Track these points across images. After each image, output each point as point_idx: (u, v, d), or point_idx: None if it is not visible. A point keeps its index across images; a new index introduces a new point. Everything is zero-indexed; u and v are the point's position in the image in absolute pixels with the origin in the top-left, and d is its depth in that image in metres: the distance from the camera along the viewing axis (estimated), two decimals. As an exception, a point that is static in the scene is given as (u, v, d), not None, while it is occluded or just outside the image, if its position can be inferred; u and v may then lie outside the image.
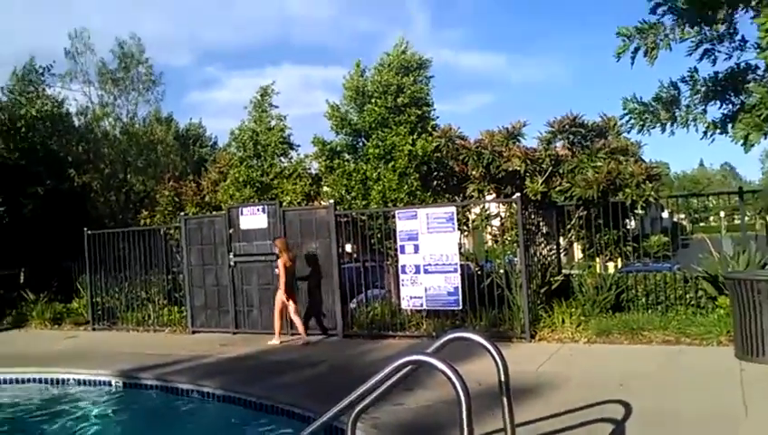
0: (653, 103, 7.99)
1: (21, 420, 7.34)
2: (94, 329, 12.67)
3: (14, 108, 15.02)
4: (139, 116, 21.57)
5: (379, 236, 10.38)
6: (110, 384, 8.31)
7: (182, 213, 12.39)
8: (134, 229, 12.99)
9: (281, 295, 9.80)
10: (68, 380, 8.58)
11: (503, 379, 3.65)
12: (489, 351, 3.67)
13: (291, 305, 9.81)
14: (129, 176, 19.79)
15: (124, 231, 12.93)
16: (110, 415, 7.48)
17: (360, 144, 11.61)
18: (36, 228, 15.26)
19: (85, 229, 12.99)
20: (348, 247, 11.71)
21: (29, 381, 8.69)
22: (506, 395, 3.68)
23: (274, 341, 9.86)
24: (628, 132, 9.31)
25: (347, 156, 11.67)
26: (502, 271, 9.62)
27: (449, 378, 3.11)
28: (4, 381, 8.72)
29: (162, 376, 8.06)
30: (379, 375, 3.25)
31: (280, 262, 9.79)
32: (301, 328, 9.83)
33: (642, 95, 8.12)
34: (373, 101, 11.19)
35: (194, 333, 11.41)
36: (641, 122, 8.05)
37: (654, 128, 8.08)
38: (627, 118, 8.20)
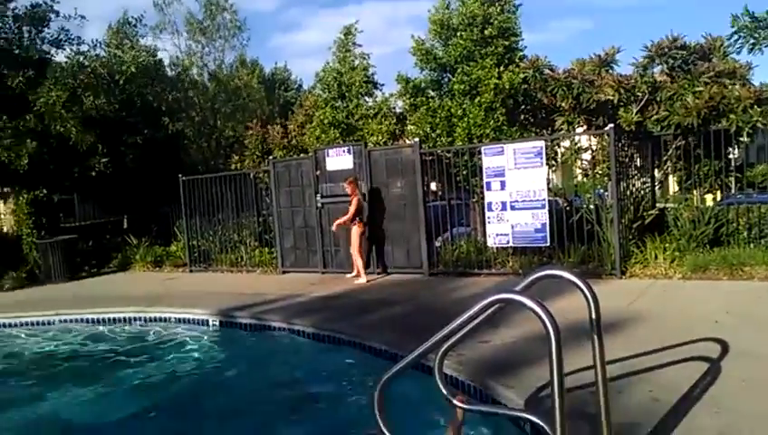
0: (766, 18, 7.26)
1: (128, 353, 7.87)
2: (192, 271, 13.32)
3: (112, 62, 15.61)
4: (226, 63, 22.00)
5: (464, 173, 10.20)
6: (207, 323, 8.73)
7: (270, 157, 12.62)
8: (225, 174, 13.40)
9: (356, 232, 10.06)
10: (169, 318, 9.08)
11: (593, 315, 3.49)
12: (579, 287, 3.51)
13: (355, 241, 10.10)
14: (218, 122, 20.33)
15: (216, 176, 13.37)
16: (209, 351, 7.89)
17: (446, 80, 11.32)
18: (136, 177, 16.04)
19: (180, 176, 13.51)
20: (433, 186, 11.62)
21: (133, 320, 9.24)
22: (597, 332, 3.53)
23: (361, 279, 10.04)
24: (738, 53, 8.53)
25: (431, 92, 11.44)
26: (592, 206, 9.26)
27: (539, 316, 2.99)
28: (113, 321, 9.34)
29: (256, 315, 8.38)
30: (467, 314, 3.17)
31: (354, 200, 9.97)
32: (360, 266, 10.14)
33: (754, 10, 7.40)
34: (459, 33, 10.83)
35: (284, 273, 11.78)
36: (753, 40, 7.35)
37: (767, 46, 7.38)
38: (736, 36, 7.52)
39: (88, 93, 14.41)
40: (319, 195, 11.22)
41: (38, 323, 9.54)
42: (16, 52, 15.14)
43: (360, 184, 10.46)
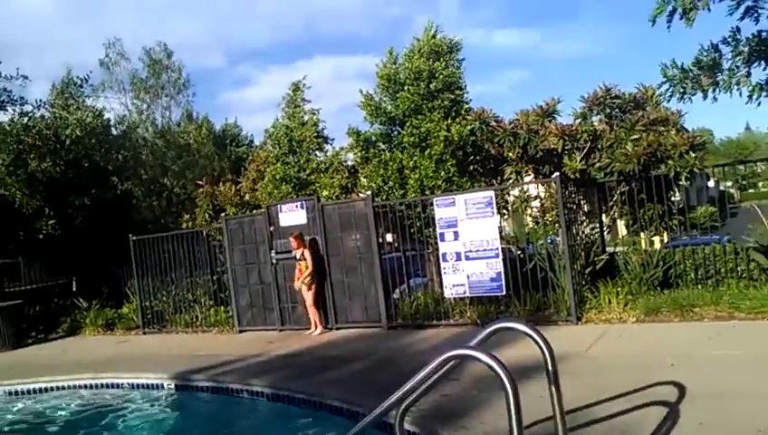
0: (693, 69, 7.74)
1: (78, 423, 7.55)
2: (145, 333, 12.95)
3: (57, 123, 15.42)
4: (173, 120, 21.98)
5: (418, 224, 10.33)
6: (162, 387, 8.48)
7: (223, 214, 12.53)
8: (177, 233, 13.20)
9: (307, 286, 10.31)
10: (122, 384, 8.79)
11: (549, 367, 3.57)
12: (534, 339, 3.60)
13: (309, 296, 10.26)
14: (168, 180, 20.14)
15: (167, 235, 13.14)
16: (165, 417, 7.66)
17: (395, 133, 11.56)
18: (85, 238, 15.67)
19: (130, 235, 13.26)
20: (389, 237, 11.72)
21: (85, 387, 8.92)
22: (554, 383, 3.60)
23: (317, 331, 10.06)
24: (668, 101, 9.01)
25: (382, 145, 11.65)
26: (544, 252, 9.46)
27: (495, 371, 3.05)
28: (62, 388, 8.97)
29: (212, 377, 8.18)
30: (425, 370, 3.21)
31: (307, 253, 10.14)
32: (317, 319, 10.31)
33: (682, 61, 7.86)
34: (406, 88, 11.11)
35: (241, 332, 11.56)
36: (681, 90, 7.79)
37: (695, 95, 7.82)
38: (666, 86, 7.95)
39: (33, 156, 14.13)
40: (273, 251, 11.15)
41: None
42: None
43: (308, 238, 10.52)
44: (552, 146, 10.04)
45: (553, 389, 3.59)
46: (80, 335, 13.81)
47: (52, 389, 9.02)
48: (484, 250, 9.08)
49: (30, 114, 15.67)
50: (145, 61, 21.10)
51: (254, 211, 12.53)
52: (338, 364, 8.01)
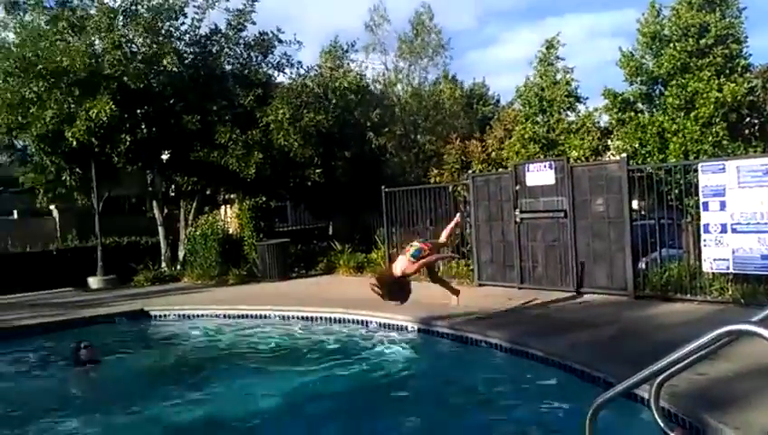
0: None
1: (338, 350, 8.49)
2: (390, 278, 13.87)
3: (326, 83, 17.07)
4: (428, 80, 22.78)
5: (677, 192, 9.54)
6: (406, 329, 9.10)
7: (469, 171, 12.81)
8: (424, 187, 13.85)
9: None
10: (369, 322, 9.61)
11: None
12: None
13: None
14: (418, 136, 21.07)
15: (415, 189, 13.86)
16: (408, 355, 8.27)
17: (657, 93, 10.69)
18: (343, 187, 17.24)
19: (382, 187, 14.22)
20: (634, 204, 11.02)
21: (337, 321, 9.95)
22: None
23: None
24: None
25: (641, 106, 10.86)
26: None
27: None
28: (319, 319, 10.11)
29: (453, 325, 8.55)
30: (692, 344, 3.01)
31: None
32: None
33: None
34: (671, 44, 10.17)
35: (480, 286, 11.85)
36: None
37: None
38: None
39: (308, 111, 15.78)
40: (518, 210, 11.16)
41: (257, 316, 10.63)
42: (246, 74, 17.08)
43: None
44: None
45: None
46: (333, 274, 15.29)
47: (313, 318, 10.21)
48: (757, 223, 8.10)
49: (306, 75, 17.60)
50: (413, 22, 22.05)
51: (500, 169, 12.61)
52: (579, 328, 7.87)
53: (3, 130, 15.25)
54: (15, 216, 22.19)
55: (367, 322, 9.63)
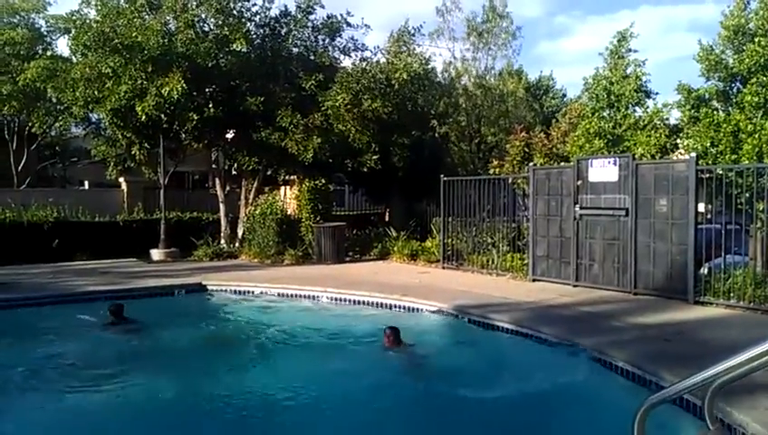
0: None
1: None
2: (443, 267, 13.85)
3: (389, 68, 17.02)
4: (495, 69, 22.42)
5: (748, 195, 9.12)
6: (456, 317, 9.06)
7: (531, 163, 12.61)
8: (484, 177, 13.69)
9: None
10: (421, 309, 9.61)
11: None
12: None
13: None
14: (481, 127, 20.85)
15: (475, 179, 13.73)
16: (453, 345, 8.28)
17: (735, 90, 10.23)
18: (401, 173, 17.21)
19: (441, 176, 14.14)
20: (701, 207, 10.60)
21: (390, 306, 9.97)
22: None
23: None
24: None
25: (716, 104, 10.42)
26: None
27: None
28: (373, 304, 10.17)
29: (512, 319, 8.43)
30: (756, 349, 2.86)
31: None
32: None
33: None
34: (756, 40, 9.71)
35: (534, 280, 11.67)
36: None
37: None
38: None
39: (366, 96, 15.79)
40: (578, 205, 10.91)
41: (311, 297, 10.80)
42: (311, 58, 17.23)
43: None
44: None
45: None
46: (387, 260, 15.35)
47: (365, 302, 10.28)
48: (834, 234, 7.67)
49: (368, 59, 17.58)
50: (485, 7, 21.65)
51: (563, 163, 12.35)
52: (635, 329, 7.66)
53: (80, 104, 15.89)
54: (87, 186, 23.22)
55: (419, 309, 9.64)
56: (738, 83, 10.15)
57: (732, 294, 8.94)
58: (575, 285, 10.88)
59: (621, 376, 6.21)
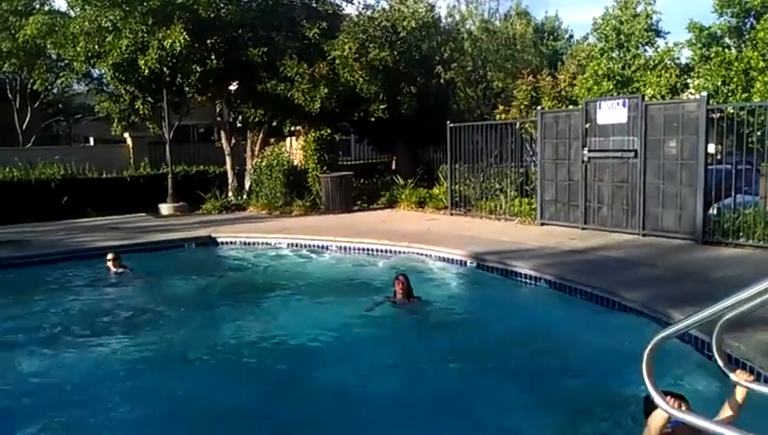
0: None
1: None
2: (452, 214, 13.87)
3: (395, 16, 16.66)
4: (500, 13, 21.95)
5: (759, 134, 9.02)
6: (464, 264, 9.13)
7: (538, 107, 12.45)
8: (491, 123, 13.57)
9: None
10: (430, 255, 9.66)
11: None
12: None
13: None
14: (487, 72, 20.50)
15: (482, 124, 13.60)
16: (465, 289, 8.37)
17: (748, 27, 10.00)
18: (408, 122, 17.04)
19: (448, 122, 14.01)
20: (711, 147, 10.50)
21: (399, 253, 10.03)
22: None
23: None
24: None
25: (728, 42, 10.20)
26: None
27: None
28: (384, 251, 10.24)
29: (509, 261, 8.53)
30: (763, 283, 2.87)
31: None
32: None
33: None
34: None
35: (542, 225, 11.68)
36: None
37: None
38: None
39: (373, 45, 15.52)
40: (586, 148, 10.82)
41: (320, 247, 10.87)
42: (314, 5, 16.89)
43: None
44: None
45: None
46: (395, 209, 15.37)
47: (376, 250, 10.34)
48: None
49: (372, 6, 17.24)
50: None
51: (571, 106, 12.20)
52: (642, 268, 7.71)
53: (81, 59, 15.69)
54: (92, 142, 23.18)
55: (428, 255, 9.68)
56: (752, 19, 9.91)
57: (741, 234, 8.93)
58: (583, 228, 10.89)
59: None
